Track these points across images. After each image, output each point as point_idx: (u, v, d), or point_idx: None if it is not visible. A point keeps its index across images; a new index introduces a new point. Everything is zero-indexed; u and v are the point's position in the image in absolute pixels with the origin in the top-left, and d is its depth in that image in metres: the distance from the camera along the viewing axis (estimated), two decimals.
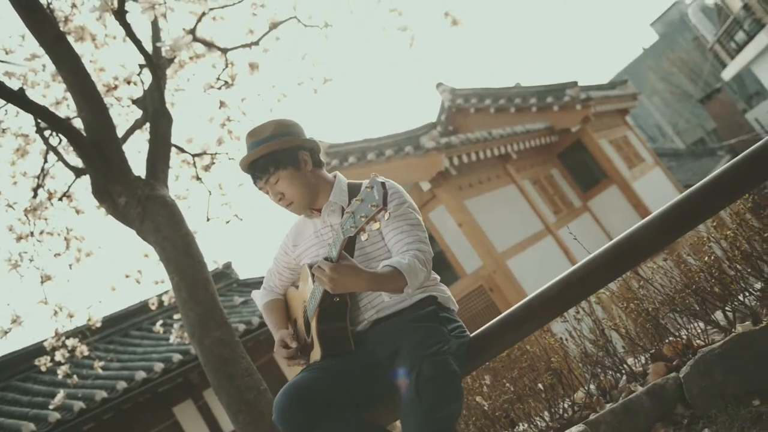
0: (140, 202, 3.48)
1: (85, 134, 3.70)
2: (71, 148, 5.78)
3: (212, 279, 3.46)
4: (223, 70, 6.15)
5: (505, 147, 11.86)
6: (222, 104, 6.42)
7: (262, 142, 2.07)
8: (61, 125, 3.53)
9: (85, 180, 5.90)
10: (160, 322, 7.16)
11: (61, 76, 3.83)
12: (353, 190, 2.16)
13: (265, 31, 6.03)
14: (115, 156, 3.65)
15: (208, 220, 6.37)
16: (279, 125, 2.11)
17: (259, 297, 2.43)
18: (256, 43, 6.02)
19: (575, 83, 13.74)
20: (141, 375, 8.77)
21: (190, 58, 6.21)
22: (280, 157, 2.06)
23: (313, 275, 1.87)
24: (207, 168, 6.40)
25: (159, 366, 8.96)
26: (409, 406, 1.79)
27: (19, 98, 3.45)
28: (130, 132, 4.41)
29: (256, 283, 13.05)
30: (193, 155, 6.11)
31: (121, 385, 8.56)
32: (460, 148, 10.37)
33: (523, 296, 9.77)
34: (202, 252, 3.51)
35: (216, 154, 6.27)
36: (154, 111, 4.10)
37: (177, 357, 9.17)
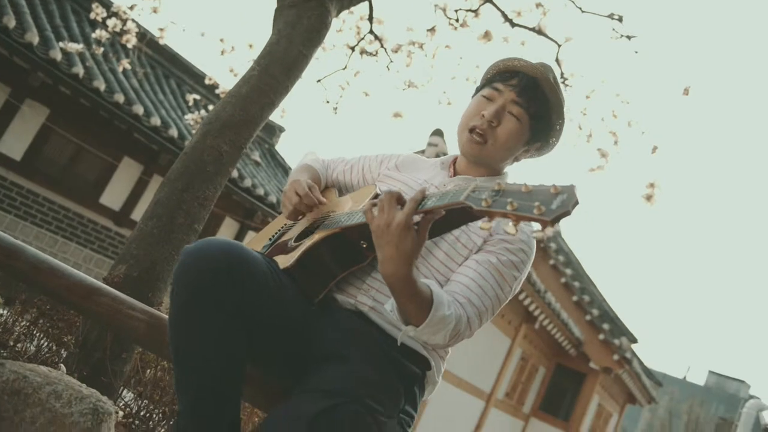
0: None
1: None
2: None
3: (267, 117, 2.89)
4: None
5: (539, 312, 11.19)
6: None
7: (559, 95, 1.59)
8: None
9: None
10: (194, 95, 6.71)
11: None
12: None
13: None
14: None
15: (319, 81, 5.92)
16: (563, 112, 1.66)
17: (307, 159, 1.89)
18: None
19: (634, 340, 13.04)
20: (139, 109, 8.36)
21: None
22: (545, 117, 1.59)
23: (376, 199, 1.29)
24: (367, 54, 5.94)
25: (156, 118, 8.53)
26: (285, 417, 1.22)
27: None
28: None
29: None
30: (375, 36, 5.60)
31: (119, 97, 8.15)
32: None
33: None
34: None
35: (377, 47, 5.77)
36: None
37: (173, 132, 8.73)
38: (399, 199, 1.22)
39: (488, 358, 11.48)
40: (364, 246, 1.41)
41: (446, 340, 1.36)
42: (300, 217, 1.67)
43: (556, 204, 0.95)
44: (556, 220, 0.95)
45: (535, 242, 1.55)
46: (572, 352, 13.23)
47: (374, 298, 1.48)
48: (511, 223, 0.99)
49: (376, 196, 1.48)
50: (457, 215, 1.19)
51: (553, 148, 1.69)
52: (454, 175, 1.64)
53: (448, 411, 10.53)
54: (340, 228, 1.41)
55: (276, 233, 1.73)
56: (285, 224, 1.75)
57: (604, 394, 15.11)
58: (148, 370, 2.48)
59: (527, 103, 1.56)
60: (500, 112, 1.55)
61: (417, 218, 1.23)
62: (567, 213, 0.96)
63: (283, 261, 1.48)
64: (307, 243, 1.47)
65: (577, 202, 0.96)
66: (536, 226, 0.99)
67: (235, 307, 1.30)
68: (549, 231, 1.28)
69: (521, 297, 10.33)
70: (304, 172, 1.79)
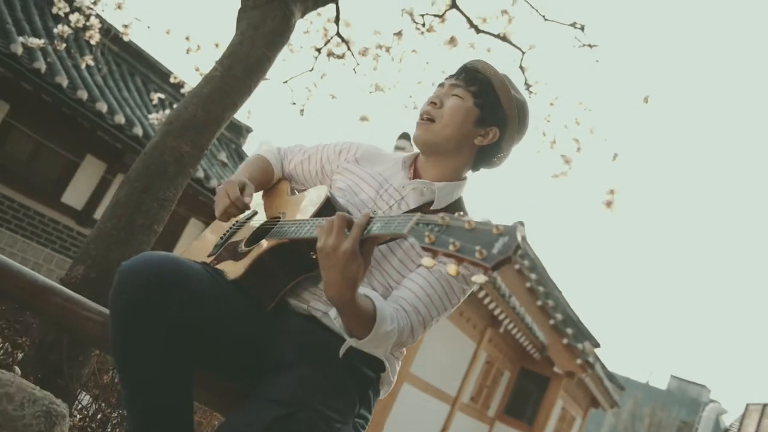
0: None
1: None
2: None
3: (229, 118, 2.87)
4: None
5: (504, 316, 11.29)
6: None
7: (501, 77, 1.61)
8: None
9: None
10: (159, 94, 6.64)
11: None
12: (459, 208, 1.61)
13: None
14: None
15: (285, 82, 5.91)
16: (524, 101, 1.65)
17: (261, 149, 1.86)
18: None
19: (597, 344, 13.23)
20: (103, 106, 8.23)
21: None
22: (488, 93, 1.59)
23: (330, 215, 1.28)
24: (334, 56, 5.95)
25: (121, 116, 8.40)
26: (239, 426, 1.22)
27: None
28: None
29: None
30: (342, 38, 5.59)
31: (82, 94, 8.02)
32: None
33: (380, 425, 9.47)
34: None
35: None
36: None
37: (138, 131, 8.62)
38: (349, 224, 1.22)
39: (454, 362, 11.54)
40: (314, 257, 1.37)
41: (388, 351, 1.38)
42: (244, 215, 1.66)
43: (497, 248, 0.93)
44: (496, 267, 0.93)
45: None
46: (536, 356, 13.38)
47: (328, 304, 1.46)
48: (452, 264, 0.97)
49: (327, 200, 1.47)
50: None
51: (512, 140, 1.65)
52: (414, 177, 1.64)
53: (414, 415, 10.55)
54: (289, 240, 1.40)
55: (227, 232, 1.72)
56: (237, 221, 1.74)
57: (567, 398, 15.31)
58: (107, 374, 2.45)
59: (466, 83, 1.61)
60: (443, 95, 1.61)
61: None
62: (508, 260, 0.93)
63: (232, 270, 1.47)
64: (255, 252, 1.46)
65: (519, 247, 0.94)
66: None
67: (174, 325, 1.29)
68: (485, 278, 1.23)
69: (486, 301, 10.42)
70: (251, 166, 1.76)
